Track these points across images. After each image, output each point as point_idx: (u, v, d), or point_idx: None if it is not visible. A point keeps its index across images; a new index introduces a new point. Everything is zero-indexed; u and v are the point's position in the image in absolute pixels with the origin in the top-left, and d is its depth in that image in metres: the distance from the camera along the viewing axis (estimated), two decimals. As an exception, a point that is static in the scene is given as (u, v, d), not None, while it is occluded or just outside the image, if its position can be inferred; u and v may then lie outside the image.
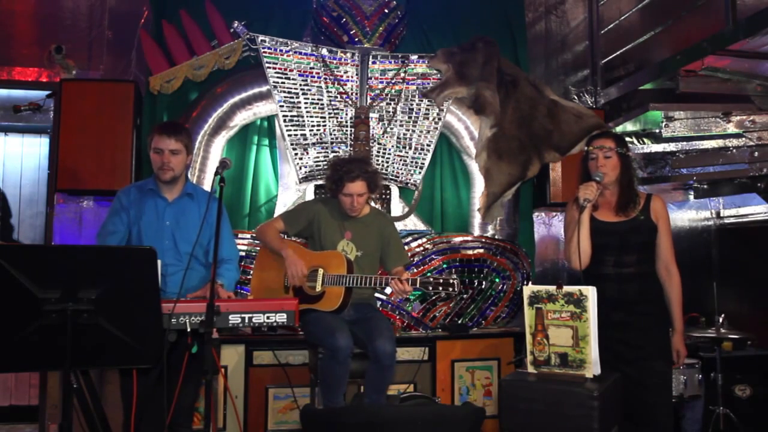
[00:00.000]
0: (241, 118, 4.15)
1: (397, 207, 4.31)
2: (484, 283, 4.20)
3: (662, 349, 2.63)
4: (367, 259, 3.22)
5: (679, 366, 2.97)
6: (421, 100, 4.34)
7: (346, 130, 4.25)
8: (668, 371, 2.68)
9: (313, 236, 3.25)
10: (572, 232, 2.62)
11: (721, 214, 5.04)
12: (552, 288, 2.30)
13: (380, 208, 4.18)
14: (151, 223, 2.78)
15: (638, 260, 2.64)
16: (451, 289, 2.89)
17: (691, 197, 4.99)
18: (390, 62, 4.33)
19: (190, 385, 2.61)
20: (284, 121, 4.15)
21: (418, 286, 2.96)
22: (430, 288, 2.94)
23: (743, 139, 4.14)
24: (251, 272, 3.52)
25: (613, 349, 2.51)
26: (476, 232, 4.37)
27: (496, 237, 4.34)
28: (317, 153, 4.19)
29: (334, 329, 2.90)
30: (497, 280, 4.22)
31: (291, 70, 4.16)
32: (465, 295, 4.17)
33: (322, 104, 4.22)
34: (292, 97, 4.17)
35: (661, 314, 2.66)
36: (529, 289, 2.36)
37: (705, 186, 4.75)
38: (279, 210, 4.15)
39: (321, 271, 3.10)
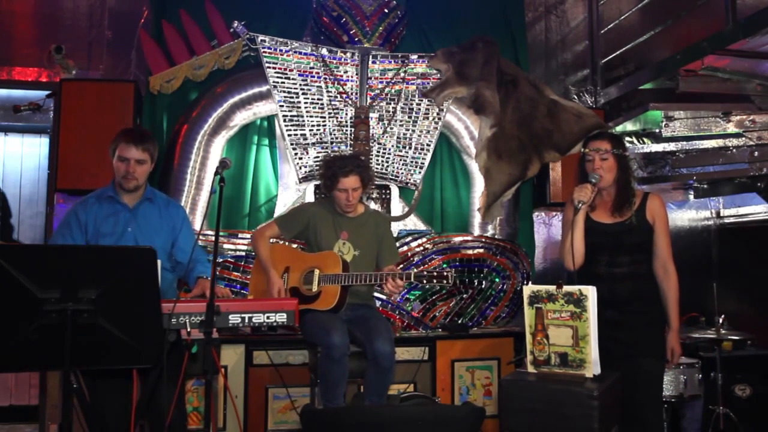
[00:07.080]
0: (241, 118, 4.15)
1: (397, 207, 4.31)
2: (484, 282, 4.19)
3: (653, 348, 2.61)
4: (365, 258, 3.22)
5: (674, 365, 2.94)
6: (421, 100, 4.34)
7: (346, 130, 4.25)
8: (658, 370, 2.65)
9: (309, 239, 3.27)
10: (567, 232, 2.63)
11: (721, 214, 5.04)
12: (552, 288, 2.29)
13: (378, 209, 4.19)
14: (113, 231, 2.73)
15: (631, 261, 2.63)
16: (445, 281, 2.87)
17: (691, 197, 4.99)
18: (390, 62, 4.33)
19: (165, 385, 2.41)
20: (284, 120, 4.15)
21: (412, 280, 2.95)
22: (425, 281, 2.93)
23: (743, 138, 4.14)
24: (250, 272, 3.52)
25: (604, 347, 2.50)
26: (476, 231, 4.37)
27: (496, 237, 4.34)
28: (317, 153, 4.19)
29: (330, 327, 2.91)
30: (497, 279, 4.22)
31: (291, 70, 4.16)
32: (465, 295, 4.17)
33: (322, 104, 4.22)
34: (292, 97, 4.17)
35: (654, 314, 2.63)
36: (529, 289, 2.36)
37: (705, 186, 4.75)
38: (279, 210, 4.16)
39: (317, 272, 3.12)
